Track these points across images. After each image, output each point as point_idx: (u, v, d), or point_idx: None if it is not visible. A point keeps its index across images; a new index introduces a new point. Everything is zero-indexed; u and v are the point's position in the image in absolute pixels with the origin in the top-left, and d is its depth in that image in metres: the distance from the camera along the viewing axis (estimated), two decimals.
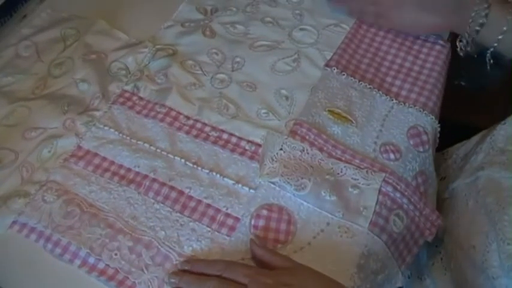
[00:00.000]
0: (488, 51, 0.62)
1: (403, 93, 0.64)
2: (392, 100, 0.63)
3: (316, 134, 0.59)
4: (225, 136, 0.60)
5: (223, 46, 0.68)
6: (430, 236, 0.57)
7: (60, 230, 0.53)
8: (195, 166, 0.57)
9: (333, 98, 0.62)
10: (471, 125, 0.75)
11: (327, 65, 0.65)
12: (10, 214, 0.54)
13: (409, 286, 0.66)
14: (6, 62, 0.66)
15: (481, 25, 0.60)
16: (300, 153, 0.57)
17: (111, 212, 0.54)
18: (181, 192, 0.55)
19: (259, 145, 0.58)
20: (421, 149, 0.60)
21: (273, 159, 0.56)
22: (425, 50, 0.67)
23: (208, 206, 0.54)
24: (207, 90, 0.64)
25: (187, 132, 0.60)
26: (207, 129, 0.60)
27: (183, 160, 0.57)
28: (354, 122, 0.60)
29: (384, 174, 0.56)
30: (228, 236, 0.52)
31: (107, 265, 0.51)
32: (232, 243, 0.52)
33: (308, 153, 0.57)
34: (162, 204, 0.54)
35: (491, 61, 0.63)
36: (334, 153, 0.58)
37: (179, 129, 0.60)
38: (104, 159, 0.58)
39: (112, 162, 0.57)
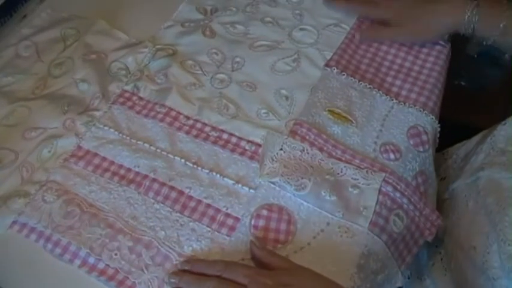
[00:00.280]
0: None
1: (403, 93, 0.63)
2: (393, 100, 0.63)
3: (316, 134, 0.59)
4: (225, 136, 0.60)
5: (223, 46, 0.68)
6: (430, 236, 0.57)
7: (60, 230, 0.53)
8: (195, 166, 0.57)
9: (333, 98, 0.62)
10: (471, 125, 0.75)
11: (327, 65, 0.65)
12: (10, 214, 0.54)
13: (409, 286, 0.66)
14: (6, 62, 0.66)
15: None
16: (300, 153, 0.57)
17: (111, 212, 0.54)
18: (181, 192, 0.55)
19: (259, 145, 0.58)
20: (421, 149, 0.60)
21: (273, 159, 0.56)
22: (425, 50, 0.67)
23: (208, 206, 0.54)
24: (207, 90, 0.64)
25: (187, 132, 0.60)
26: (207, 129, 0.60)
27: (183, 160, 0.57)
28: (354, 122, 0.60)
29: (384, 174, 0.56)
30: (228, 236, 0.52)
31: (107, 265, 0.51)
32: (232, 243, 0.52)
33: (308, 153, 0.57)
34: (162, 204, 0.54)
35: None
36: (334, 153, 0.58)
37: (179, 129, 0.60)
38: (104, 159, 0.58)
39: (112, 162, 0.57)
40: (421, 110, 0.62)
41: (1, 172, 0.57)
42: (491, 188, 0.56)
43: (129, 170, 0.57)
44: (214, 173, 0.56)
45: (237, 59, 0.67)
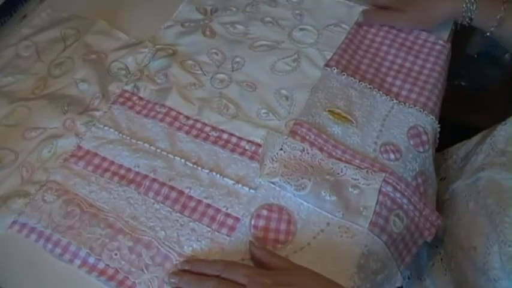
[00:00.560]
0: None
1: (403, 93, 0.63)
2: (393, 100, 0.63)
3: (316, 134, 0.59)
4: (225, 136, 0.60)
5: (223, 46, 0.68)
6: (429, 237, 0.57)
7: (60, 230, 0.53)
8: (195, 166, 0.57)
9: (333, 98, 0.62)
10: (471, 125, 0.75)
11: (327, 65, 0.65)
12: (10, 214, 0.54)
13: (409, 286, 0.66)
14: (6, 62, 0.66)
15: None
16: (300, 153, 0.57)
17: (111, 212, 0.54)
18: (181, 192, 0.55)
19: (259, 145, 0.58)
20: (421, 149, 0.60)
21: (273, 159, 0.56)
22: (425, 50, 0.67)
23: (208, 206, 0.54)
24: (207, 90, 0.64)
25: (187, 132, 0.60)
26: (207, 129, 0.60)
27: (183, 160, 0.57)
28: (354, 122, 0.60)
29: (384, 174, 0.56)
30: (228, 236, 0.52)
31: (107, 265, 0.51)
32: (232, 243, 0.52)
33: (308, 153, 0.57)
34: (162, 204, 0.54)
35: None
36: (334, 153, 0.58)
37: (179, 129, 0.60)
38: (104, 159, 0.58)
39: (112, 162, 0.57)
40: (421, 110, 0.62)
41: (1, 172, 0.57)
42: (491, 188, 0.56)
43: (129, 170, 0.57)
44: (214, 173, 0.56)
45: (237, 59, 0.67)
